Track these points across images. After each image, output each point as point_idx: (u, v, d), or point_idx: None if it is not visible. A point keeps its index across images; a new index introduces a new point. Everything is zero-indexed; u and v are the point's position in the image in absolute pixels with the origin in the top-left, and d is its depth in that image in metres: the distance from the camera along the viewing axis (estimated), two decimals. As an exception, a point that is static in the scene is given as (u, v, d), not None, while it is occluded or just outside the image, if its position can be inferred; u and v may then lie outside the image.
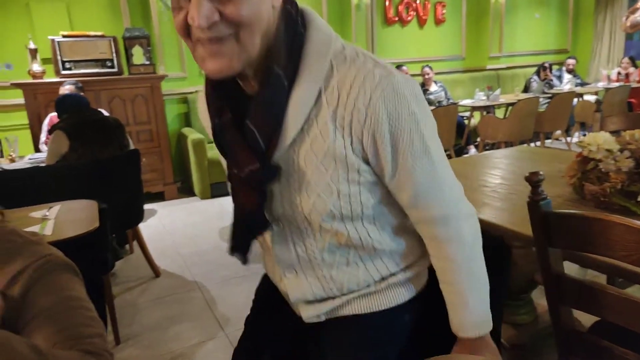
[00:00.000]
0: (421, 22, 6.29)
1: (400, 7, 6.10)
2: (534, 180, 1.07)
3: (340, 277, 0.85)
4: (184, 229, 3.78)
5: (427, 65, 5.66)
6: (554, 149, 5.34)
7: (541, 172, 1.07)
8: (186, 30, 0.68)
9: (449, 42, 6.59)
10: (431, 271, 0.93)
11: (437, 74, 5.98)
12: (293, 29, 0.71)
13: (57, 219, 1.78)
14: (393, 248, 0.86)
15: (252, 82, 0.73)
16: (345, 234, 0.81)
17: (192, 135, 4.47)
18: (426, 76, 5.66)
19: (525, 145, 5.02)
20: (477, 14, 6.70)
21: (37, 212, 1.86)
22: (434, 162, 0.77)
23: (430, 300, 0.93)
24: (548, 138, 5.95)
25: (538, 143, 5.43)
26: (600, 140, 1.47)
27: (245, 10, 0.64)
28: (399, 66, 5.63)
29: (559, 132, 5.54)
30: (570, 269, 1.13)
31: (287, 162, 0.75)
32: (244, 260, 0.85)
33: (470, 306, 0.84)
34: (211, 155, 4.35)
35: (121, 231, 3.03)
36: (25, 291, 0.69)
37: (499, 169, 2.05)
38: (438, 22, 6.42)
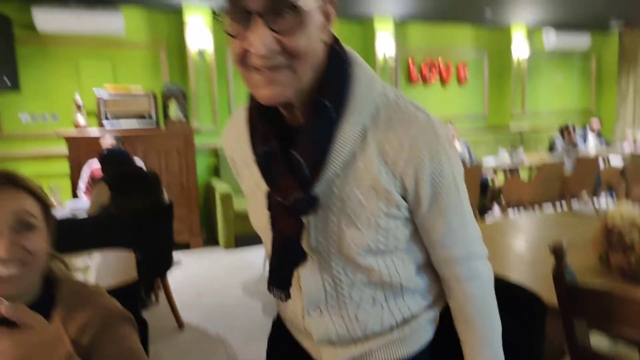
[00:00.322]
0: (444, 82, 6.50)
1: (424, 68, 6.33)
2: (557, 251, 1.11)
3: (364, 317, 0.86)
4: (208, 280, 3.83)
5: (450, 123, 5.78)
6: (581, 213, 5.28)
7: (564, 243, 1.12)
8: (242, 58, 0.70)
9: (472, 101, 6.75)
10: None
11: (460, 132, 6.09)
12: (341, 65, 0.75)
13: (97, 268, 1.88)
14: (416, 286, 0.88)
15: (297, 113, 0.76)
16: (377, 269, 0.82)
17: (220, 187, 4.61)
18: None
19: (552, 209, 5.01)
20: (499, 74, 6.89)
21: (80, 260, 1.96)
22: (462, 201, 0.82)
23: (441, 337, 0.95)
24: (574, 197, 5.90)
25: (564, 202, 5.39)
26: (624, 211, 1.51)
27: (303, 42, 0.68)
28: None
29: (585, 192, 5.51)
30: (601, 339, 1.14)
31: (327, 195, 0.77)
32: (286, 296, 0.83)
33: (487, 344, 0.86)
34: (237, 207, 4.47)
35: (150, 280, 3.11)
36: (93, 341, 0.77)
37: (525, 235, 2.08)
38: (460, 81, 6.61)
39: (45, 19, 4.40)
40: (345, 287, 0.83)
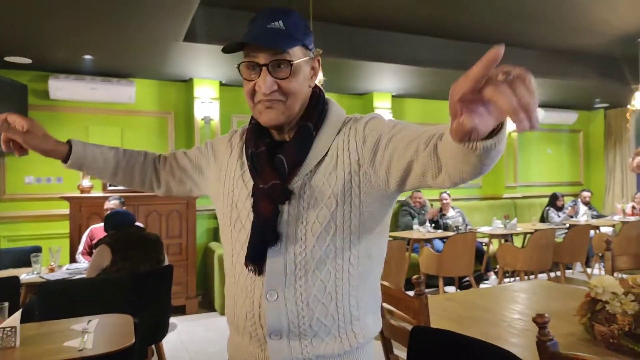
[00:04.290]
0: (439, 152, 6.72)
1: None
2: (539, 322, 1.18)
3: (314, 305, 0.96)
4: (202, 345, 3.78)
5: (445, 192, 5.94)
6: (574, 282, 5.31)
7: (546, 315, 1.19)
8: (252, 94, 0.98)
9: (466, 171, 6.94)
10: None
11: (454, 200, 6.23)
12: (322, 103, 1.05)
13: (95, 332, 1.91)
14: (360, 283, 1.00)
15: (286, 133, 1.03)
16: (332, 251, 0.97)
17: (219, 250, 4.65)
18: (444, 201, 5.90)
19: (545, 278, 5.04)
20: (492, 147, 7.13)
21: (78, 325, 1.99)
22: (409, 123, 0.97)
23: None
24: (569, 268, 5.95)
25: (559, 273, 5.42)
26: (606, 283, 1.59)
27: (294, 85, 0.97)
28: (415, 191, 5.92)
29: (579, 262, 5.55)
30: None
31: (301, 187, 0.99)
32: (260, 272, 0.98)
33: None
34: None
35: (146, 345, 3.08)
36: None
37: (517, 303, 2.12)
38: (455, 152, 6.84)
39: (59, 88, 4.66)
40: (302, 269, 0.97)
